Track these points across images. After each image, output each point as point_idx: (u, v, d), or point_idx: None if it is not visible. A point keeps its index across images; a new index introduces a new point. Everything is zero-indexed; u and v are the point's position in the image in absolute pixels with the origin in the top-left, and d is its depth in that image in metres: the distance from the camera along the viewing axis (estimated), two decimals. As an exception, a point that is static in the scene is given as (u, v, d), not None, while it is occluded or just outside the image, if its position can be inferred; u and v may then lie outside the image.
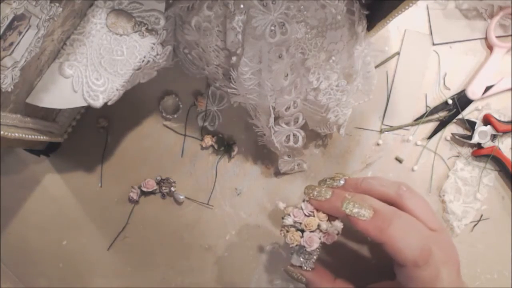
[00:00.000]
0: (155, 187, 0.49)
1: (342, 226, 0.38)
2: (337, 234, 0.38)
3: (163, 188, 0.49)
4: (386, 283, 0.40)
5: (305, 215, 0.38)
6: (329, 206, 0.38)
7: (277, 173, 0.49)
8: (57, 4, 0.34)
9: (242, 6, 0.36)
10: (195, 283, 0.49)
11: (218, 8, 0.37)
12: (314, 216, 0.38)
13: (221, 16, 0.38)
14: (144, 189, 0.49)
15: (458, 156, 0.49)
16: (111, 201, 0.50)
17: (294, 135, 0.44)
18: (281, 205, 0.40)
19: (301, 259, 0.40)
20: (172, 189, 0.49)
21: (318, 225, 0.38)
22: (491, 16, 0.50)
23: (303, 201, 0.39)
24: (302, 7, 0.35)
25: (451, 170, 0.49)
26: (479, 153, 0.48)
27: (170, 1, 0.40)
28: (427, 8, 0.50)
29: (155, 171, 0.50)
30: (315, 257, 0.40)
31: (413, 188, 0.39)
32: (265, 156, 0.50)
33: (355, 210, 0.34)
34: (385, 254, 0.35)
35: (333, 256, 0.47)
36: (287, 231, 0.39)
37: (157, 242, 0.49)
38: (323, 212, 0.38)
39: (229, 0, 0.36)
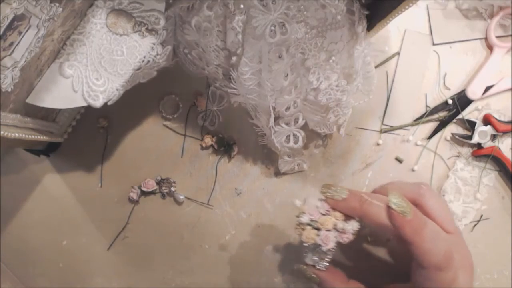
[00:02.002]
0: (155, 187, 0.49)
1: (359, 226, 0.37)
2: (353, 234, 0.37)
3: (163, 188, 0.49)
4: (399, 285, 0.39)
5: (321, 213, 0.38)
6: (345, 206, 0.37)
7: (277, 173, 0.49)
8: (57, 4, 0.34)
9: (242, 6, 0.36)
10: (195, 283, 0.49)
11: (218, 8, 0.37)
12: (330, 215, 0.38)
13: (221, 16, 0.38)
14: (144, 189, 0.49)
15: (458, 156, 0.49)
16: (111, 201, 0.50)
17: (294, 135, 0.44)
18: (298, 203, 0.39)
19: (315, 258, 0.39)
20: (172, 189, 0.49)
21: (335, 224, 0.37)
22: (491, 16, 0.50)
23: (319, 199, 0.39)
24: (302, 7, 0.35)
25: (451, 170, 0.49)
26: (479, 153, 0.48)
27: (170, 1, 0.40)
28: (427, 8, 0.50)
29: (155, 171, 0.50)
30: (329, 257, 0.39)
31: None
32: (265, 156, 0.50)
33: (401, 205, 0.33)
34: (398, 256, 0.35)
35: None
36: (303, 229, 0.38)
37: (157, 242, 0.49)
38: (340, 211, 0.38)
39: (229, 0, 0.36)
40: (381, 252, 0.47)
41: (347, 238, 0.37)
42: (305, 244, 0.38)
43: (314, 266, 0.39)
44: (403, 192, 0.37)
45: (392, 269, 0.45)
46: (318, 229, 0.38)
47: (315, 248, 0.38)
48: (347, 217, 0.38)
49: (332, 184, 0.39)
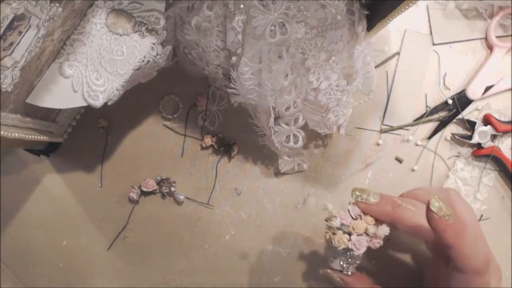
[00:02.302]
0: (155, 187, 0.49)
1: (389, 231, 0.37)
2: (382, 239, 0.37)
3: (163, 188, 0.49)
4: None
5: (352, 217, 0.37)
6: (377, 210, 0.37)
7: (277, 173, 0.49)
8: (57, 4, 0.34)
9: (242, 6, 0.36)
10: (195, 283, 0.49)
11: (218, 8, 0.37)
12: (361, 219, 0.37)
13: (221, 16, 0.38)
14: (144, 189, 0.49)
15: (458, 156, 0.49)
16: (111, 201, 0.50)
17: (294, 135, 0.44)
18: (330, 207, 0.39)
19: (342, 263, 0.38)
20: (172, 189, 0.49)
21: (366, 229, 0.37)
22: (491, 16, 0.50)
23: (350, 203, 0.38)
24: (302, 7, 0.35)
25: (451, 170, 0.49)
26: (479, 153, 0.48)
27: (170, 1, 0.40)
28: (427, 8, 0.50)
29: (155, 171, 0.50)
30: (358, 262, 0.39)
31: None
32: (265, 156, 0.50)
33: (442, 209, 0.33)
34: (423, 260, 0.36)
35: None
36: (334, 234, 0.38)
37: (157, 242, 0.49)
38: (370, 216, 0.37)
39: (229, 0, 0.36)
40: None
41: (378, 243, 0.37)
42: (336, 249, 0.38)
43: (341, 271, 0.39)
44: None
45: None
46: (349, 233, 0.37)
47: (344, 253, 0.38)
48: (377, 222, 0.37)
49: (364, 188, 0.38)
